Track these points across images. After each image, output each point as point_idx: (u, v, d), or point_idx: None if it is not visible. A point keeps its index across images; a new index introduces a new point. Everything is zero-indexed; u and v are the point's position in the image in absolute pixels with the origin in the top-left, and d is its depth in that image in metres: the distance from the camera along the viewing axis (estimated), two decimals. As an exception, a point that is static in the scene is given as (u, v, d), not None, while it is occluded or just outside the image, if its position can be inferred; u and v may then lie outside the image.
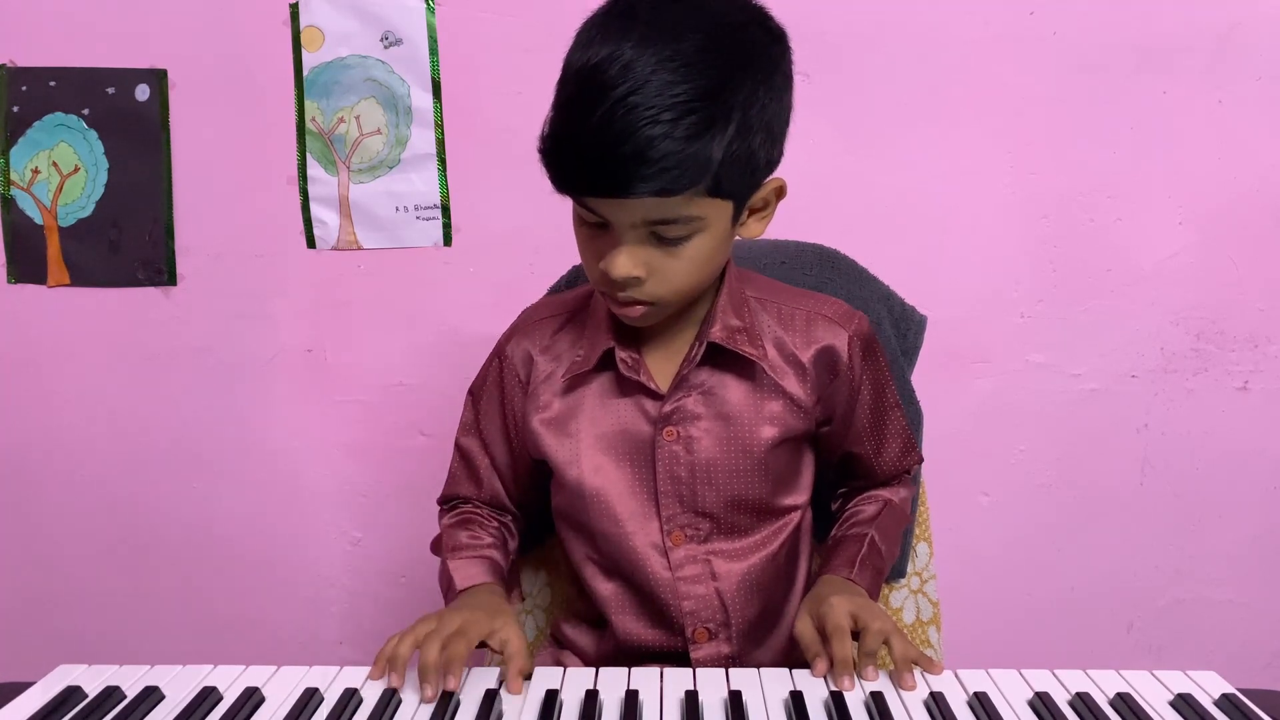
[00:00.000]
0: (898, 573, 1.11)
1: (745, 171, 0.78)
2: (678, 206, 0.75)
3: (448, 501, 1.03)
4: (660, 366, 0.90)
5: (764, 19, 0.79)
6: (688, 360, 0.88)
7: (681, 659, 0.93)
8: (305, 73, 1.48)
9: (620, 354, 0.88)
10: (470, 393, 1.00)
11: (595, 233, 0.80)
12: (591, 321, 0.92)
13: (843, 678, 0.75)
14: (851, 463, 0.99)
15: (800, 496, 0.97)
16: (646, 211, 0.75)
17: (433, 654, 0.75)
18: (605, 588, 0.94)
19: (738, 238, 0.85)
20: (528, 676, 0.77)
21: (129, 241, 1.54)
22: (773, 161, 0.82)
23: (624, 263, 0.78)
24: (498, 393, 0.97)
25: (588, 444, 0.91)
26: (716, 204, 0.78)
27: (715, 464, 0.89)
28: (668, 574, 0.91)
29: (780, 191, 0.86)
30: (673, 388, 0.89)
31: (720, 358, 0.89)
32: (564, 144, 0.74)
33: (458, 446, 1.01)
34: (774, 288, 0.95)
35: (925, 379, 1.15)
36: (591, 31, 0.75)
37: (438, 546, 0.97)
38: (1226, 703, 0.73)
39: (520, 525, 1.03)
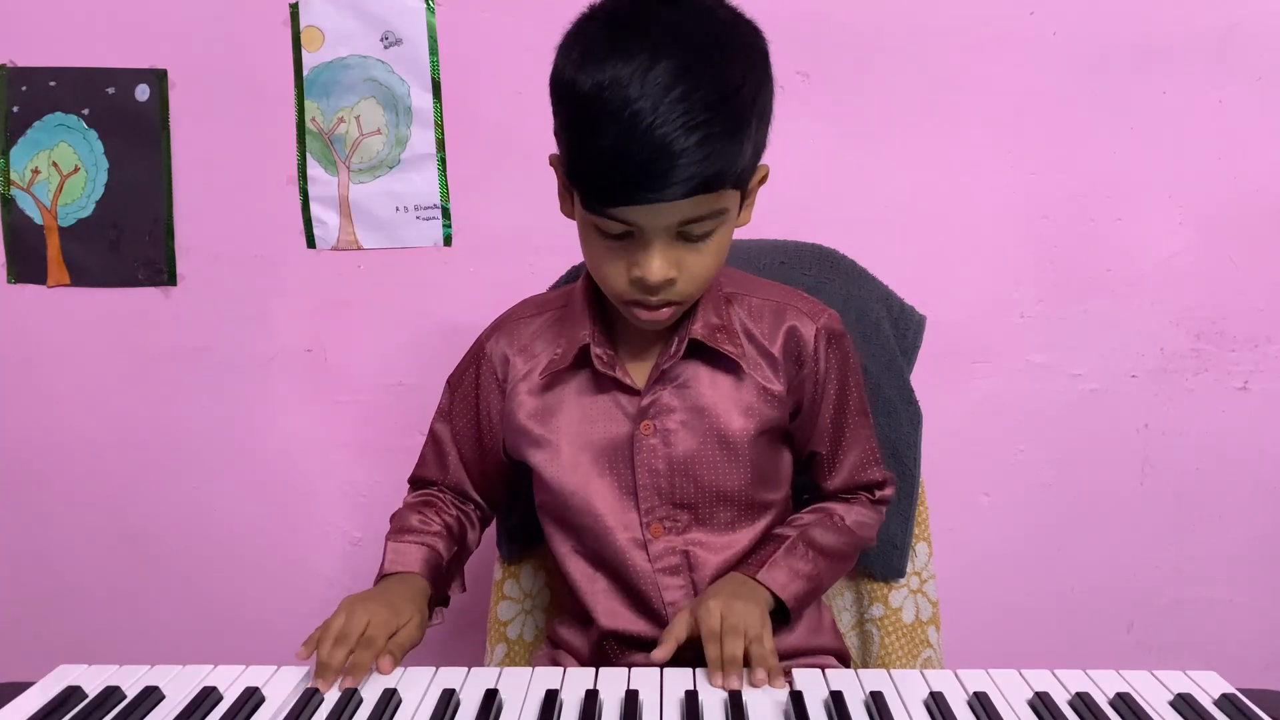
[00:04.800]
0: (896, 572, 1.11)
1: (755, 160, 0.81)
2: (710, 202, 0.77)
3: (416, 483, 1.05)
4: (635, 364, 0.92)
5: (741, 14, 0.81)
6: (667, 355, 0.89)
7: None
8: (305, 73, 1.48)
9: (595, 350, 0.89)
10: (448, 382, 1.02)
11: (619, 243, 0.80)
12: (570, 319, 0.93)
13: (714, 675, 0.77)
14: (812, 466, 0.99)
15: (780, 491, 0.97)
16: (683, 212, 0.77)
17: (338, 659, 0.77)
18: (588, 582, 0.95)
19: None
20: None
21: (129, 241, 1.54)
22: (765, 148, 0.84)
23: (660, 266, 0.79)
24: (473, 389, 0.98)
25: (567, 441, 0.92)
26: (734, 195, 0.80)
27: (692, 456, 0.90)
28: (648, 565, 0.92)
29: (764, 178, 0.87)
30: (650, 383, 0.90)
31: (695, 352, 0.90)
32: (603, 161, 0.74)
33: (431, 430, 1.03)
34: (747, 281, 0.96)
35: (925, 379, 1.15)
36: (596, 47, 0.75)
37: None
38: (1226, 703, 0.73)
39: (483, 517, 1.04)
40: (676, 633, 0.82)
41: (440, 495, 1.01)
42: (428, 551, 0.94)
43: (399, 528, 0.97)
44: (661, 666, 0.79)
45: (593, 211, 0.78)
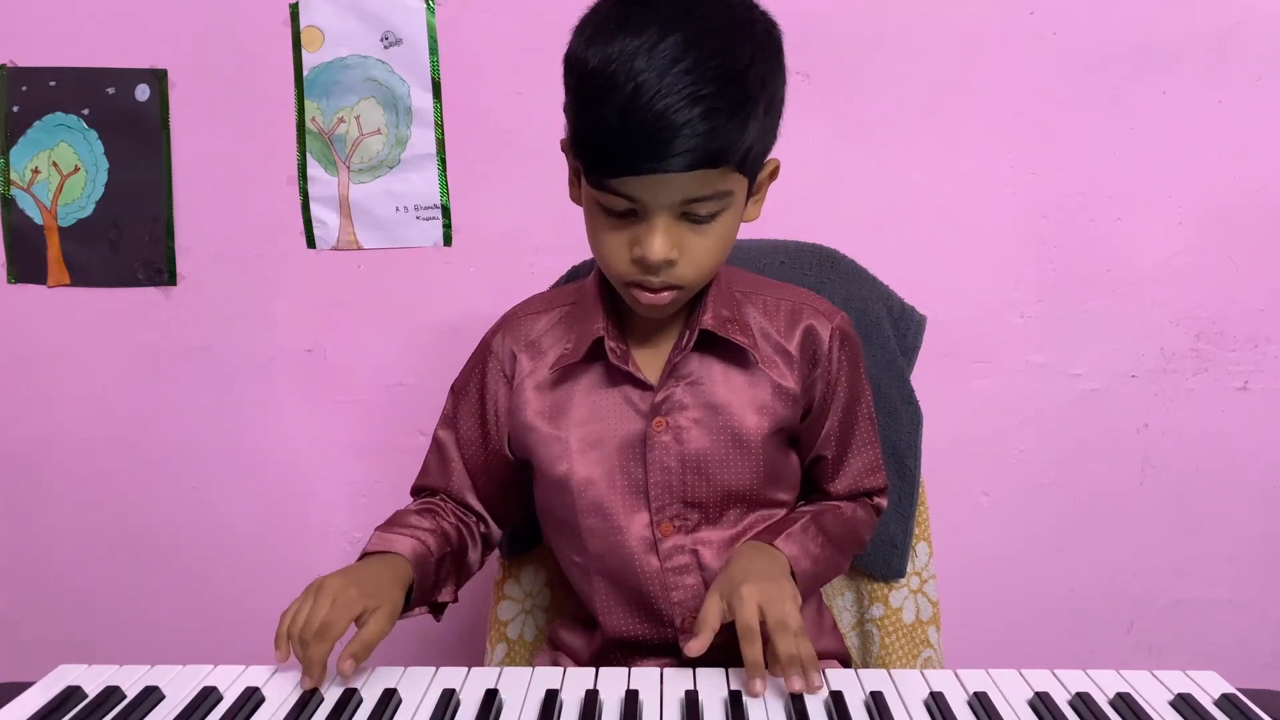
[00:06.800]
0: (896, 572, 1.11)
1: (763, 147, 0.81)
2: (714, 181, 0.77)
3: (418, 492, 1.03)
4: (647, 361, 0.91)
5: (757, 4, 0.81)
6: (679, 348, 0.89)
7: (671, 650, 0.93)
8: (305, 73, 1.48)
9: (609, 343, 0.89)
10: (452, 389, 1.00)
11: (622, 222, 0.80)
12: (581, 314, 0.93)
13: (753, 681, 0.74)
14: (816, 470, 0.99)
15: (791, 492, 0.97)
16: (686, 189, 0.77)
17: (304, 656, 0.76)
18: (591, 585, 0.94)
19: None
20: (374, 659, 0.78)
21: (129, 241, 1.54)
22: (774, 141, 0.84)
23: (661, 244, 0.78)
24: (479, 391, 0.97)
25: (576, 438, 0.91)
26: (740, 179, 0.80)
27: (705, 454, 0.90)
28: (656, 565, 0.91)
29: (775, 172, 0.87)
30: (663, 378, 0.89)
31: (708, 349, 0.90)
32: (607, 129, 0.74)
33: (434, 437, 1.01)
34: (759, 282, 0.96)
35: (925, 379, 1.15)
36: (607, 24, 0.76)
37: None
38: (1226, 703, 0.73)
39: (485, 532, 1.01)
40: (711, 621, 0.78)
41: (441, 504, 0.99)
42: (415, 543, 0.90)
43: (390, 521, 0.94)
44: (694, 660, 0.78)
45: (596, 186, 0.78)
